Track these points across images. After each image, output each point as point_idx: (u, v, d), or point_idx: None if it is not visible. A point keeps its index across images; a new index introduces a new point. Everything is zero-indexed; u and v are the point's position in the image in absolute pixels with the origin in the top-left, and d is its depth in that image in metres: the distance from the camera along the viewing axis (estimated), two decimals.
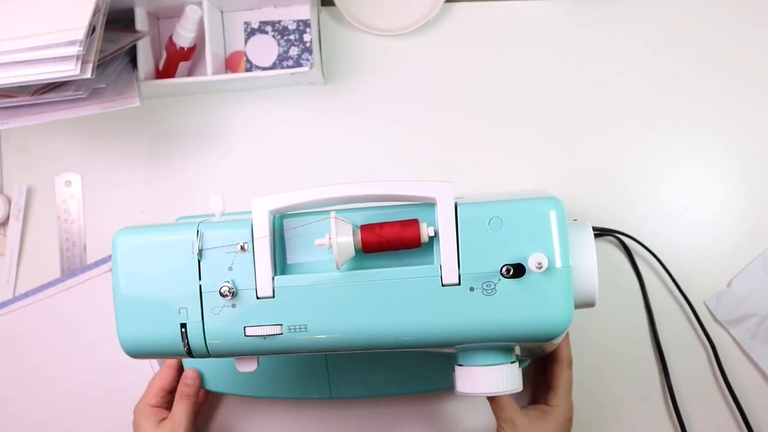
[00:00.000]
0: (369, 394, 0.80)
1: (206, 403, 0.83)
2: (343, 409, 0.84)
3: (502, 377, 0.60)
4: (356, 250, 0.57)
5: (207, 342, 0.58)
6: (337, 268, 0.57)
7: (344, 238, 0.56)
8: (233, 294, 0.57)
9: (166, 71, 0.83)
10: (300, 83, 0.85)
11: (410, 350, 0.65)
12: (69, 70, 0.67)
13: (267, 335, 0.58)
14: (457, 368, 0.62)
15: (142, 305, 0.59)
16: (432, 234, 0.57)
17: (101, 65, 0.75)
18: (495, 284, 0.56)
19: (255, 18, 0.85)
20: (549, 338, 0.58)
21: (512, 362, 0.61)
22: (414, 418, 0.83)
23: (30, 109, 0.74)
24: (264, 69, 0.85)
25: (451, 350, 0.63)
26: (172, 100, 0.86)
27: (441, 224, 0.56)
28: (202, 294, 0.58)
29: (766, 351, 0.79)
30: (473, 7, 0.84)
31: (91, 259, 0.86)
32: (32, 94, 0.72)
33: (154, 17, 0.85)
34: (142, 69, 0.81)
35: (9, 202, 0.87)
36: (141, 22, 0.82)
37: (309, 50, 0.84)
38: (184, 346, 0.59)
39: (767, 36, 0.82)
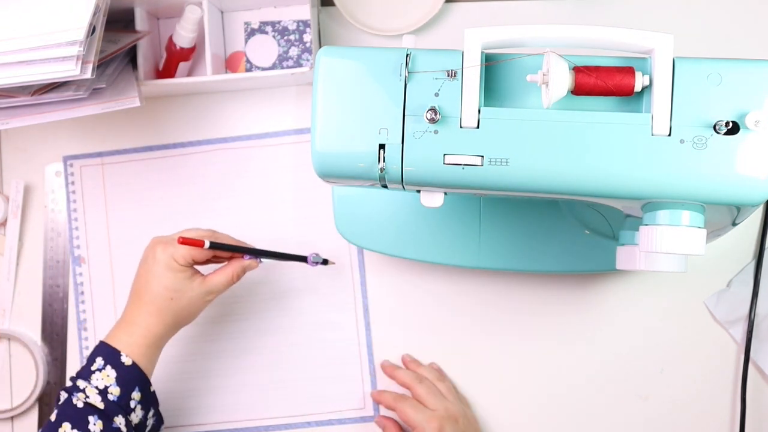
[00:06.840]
0: (516, 267, 0.79)
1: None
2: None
3: (693, 238, 0.57)
4: (566, 91, 0.56)
5: (404, 167, 0.58)
6: (546, 106, 0.56)
7: (560, 75, 0.55)
8: (438, 120, 0.56)
9: (166, 71, 0.83)
10: (300, 83, 0.85)
11: (597, 203, 0.63)
12: (69, 70, 0.67)
13: (467, 164, 0.57)
14: (642, 228, 0.59)
15: (341, 123, 0.58)
16: (646, 83, 0.56)
17: (101, 65, 0.75)
18: (707, 139, 0.55)
19: (255, 18, 0.85)
20: (751, 203, 0.56)
21: (700, 228, 0.58)
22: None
23: (30, 109, 0.74)
24: (264, 69, 0.85)
25: (637, 211, 0.61)
26: (172, 100, 0.86)
27: (657, 73, 0.55)
28: (405, 117, 0.58)
29: (766, 351, 0.79)
30: (473, 7, 0.84)
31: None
32: (32, 94, 0.72)
33: (154, 17, 0.85)
34: (142, 69, 0.81)
35: (8, 201, 0.87)
36: (141, 22, 0.82)
37: (309, 50, 0.84)
38: (381, 169, 0.58)
39: None
